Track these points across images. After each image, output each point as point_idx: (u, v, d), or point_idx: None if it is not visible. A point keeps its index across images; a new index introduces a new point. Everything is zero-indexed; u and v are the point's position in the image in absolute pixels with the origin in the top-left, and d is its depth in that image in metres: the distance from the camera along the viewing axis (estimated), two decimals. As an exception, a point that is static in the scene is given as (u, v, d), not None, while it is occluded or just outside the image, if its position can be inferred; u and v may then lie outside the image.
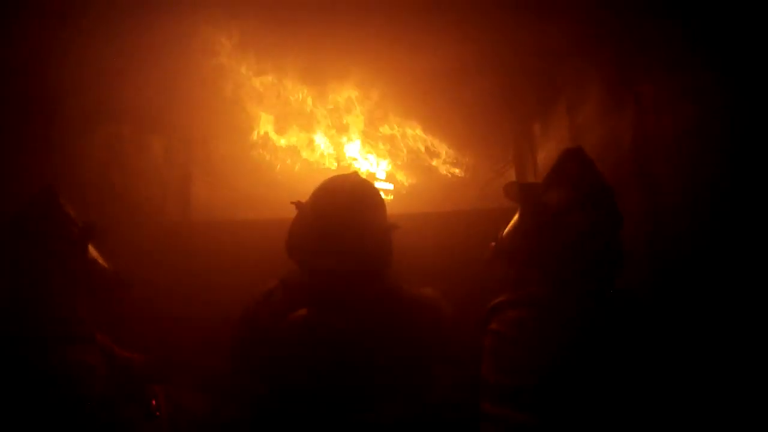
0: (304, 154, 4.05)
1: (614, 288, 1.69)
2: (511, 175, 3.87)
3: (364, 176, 2.04)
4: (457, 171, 4.10)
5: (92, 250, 2.10)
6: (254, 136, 3.97)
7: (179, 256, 3.11)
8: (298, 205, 1.91)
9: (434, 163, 4.11)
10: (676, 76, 2.19)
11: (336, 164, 4.06)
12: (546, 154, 3.50)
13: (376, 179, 4.15)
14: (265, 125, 4.00)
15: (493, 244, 1.97)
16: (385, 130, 4.04)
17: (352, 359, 1.68)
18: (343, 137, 4.06)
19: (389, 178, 4.12)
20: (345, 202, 1.83)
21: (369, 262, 1.82)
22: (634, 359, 1.55)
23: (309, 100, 3.99)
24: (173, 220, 3.55)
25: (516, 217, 1.89)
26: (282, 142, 4.02)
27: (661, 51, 2.28)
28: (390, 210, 1.96)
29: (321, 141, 4.06)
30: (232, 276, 2.89)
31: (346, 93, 3.96)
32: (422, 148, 4.09)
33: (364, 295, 1.77)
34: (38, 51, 2.66)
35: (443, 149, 4.09)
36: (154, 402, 1.99)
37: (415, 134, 4.07)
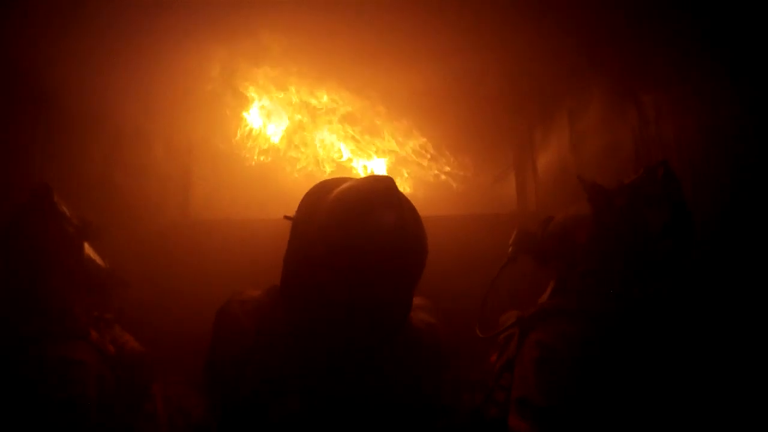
0: (304, 155, 4.06)
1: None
2: (512, 181, 3.88)
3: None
4: (457, 175, 4.11)
5: (88, 249, 2.09)
6: (254, 136, 3.98)
7: (179, 255, 3.11)
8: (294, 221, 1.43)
9: (434, 166, 4.11)
10: (678, 85, 2.20)
11: (334, 166, 4.07)
12: (546, 160, 3.51)
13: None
14: (265, 126, 4.01)
15: (511, 249, 1.86)
16: (384, 133, 4.04)
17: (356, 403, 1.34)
18: (342, 140, 4.07)
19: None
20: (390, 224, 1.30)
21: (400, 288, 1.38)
22: (695, 383, 1.46)
23: (310, 103, 3.99)
24: (173, 219, 3.55)
25: (573, 213, 1.73)
26: (282, 143, 4.03)
27: (663, 60, 2.29)
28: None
29: (320, 143, 4.07)
30: (231, 275, 2.89)
31: (347, 97, 3.96)
32: (422, 152, 4.10)
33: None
34: (40, 51, 2.66)
35: (443, 153, 4.09)
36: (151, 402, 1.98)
37: (414, 138, 4.07)
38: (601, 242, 1.62)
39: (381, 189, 1.33)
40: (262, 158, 3.99)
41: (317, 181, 1.47)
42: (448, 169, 4.10)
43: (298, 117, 4.01)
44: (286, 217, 1.43)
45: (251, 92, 3.92)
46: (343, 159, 4.09)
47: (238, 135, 3.95)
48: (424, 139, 4.06)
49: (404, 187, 4.09)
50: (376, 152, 4.10)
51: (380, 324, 1.34)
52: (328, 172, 4.00)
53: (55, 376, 1.73)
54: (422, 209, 1.45)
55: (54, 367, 1.74)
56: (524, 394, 1.43)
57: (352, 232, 1.27)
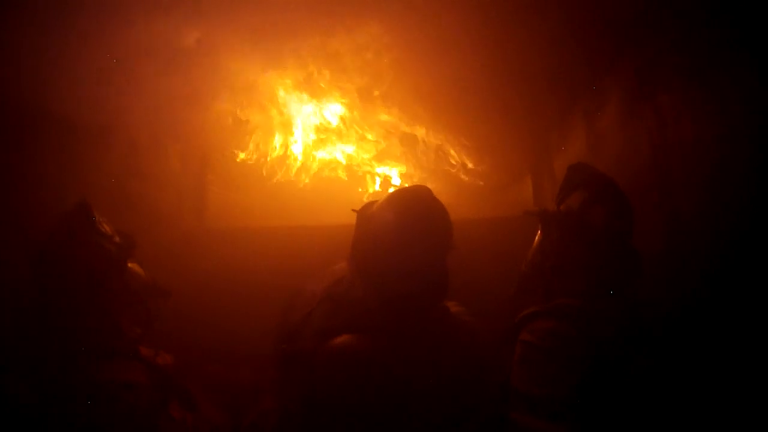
0: (320, 161, 4.06)
1: (636, 298, 1.73)
2: (528, 183, 3.85)
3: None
4: (473, 177, 4.08)
5: (132, 265, 2.06)
6: (270, 144, 3.99)
7: (195, 263, 3.12)
8: (361, 215, 1.82)
9: (450, 169, 4.09)
10: (697, 87, 2.17)
11: (351, 174, 4.06)
12: (563, 162, 3.47)
13: (392, 185, 4.15)
14: (280, 134, 4.01)
15: (518, 276, 2.00)
16: (400, 136, 4.03)
17: (396, 393, 1.61)
18: (358, 144, 4.06)
19: (404, 183, 4.12)
20: (435, 227, 1.77)
21: (442, 288, 1.76)
22: (666, 370, 1.59)
23: (325, 109, 3.99)
24: (189, 227, 3.57)
25: (536, 239, 1.95)
26: (297, 150, 4.03)
27: (682, 61, 2.26)
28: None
29: (336, 149, 4.06)
30: (247, 283, 2.90)
31: (364, 100, 3.95)
32: (438, 154, 4.08)
33: (421, 321, 1.70)
34: (55, 62, 2.68)
35: (459, 155, 4.07)
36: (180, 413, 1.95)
37: (430, 140, 4.05)
38: (561, 253, 1.86)
39: (423, 191, 1.80)
40: (278, 167, 3.99)
41: (334, 189, 1.75)
42: (464, 170, 4.07)
43: (313, 123, 4.01)
44: (354, 210, 1.82)
45: (268, 101, 3.92)
46: (361, 164, 4.09)
47: (255, 144, 3.96)
48: (441, 142, 4.04)
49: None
50: (393, 156, 4.09)
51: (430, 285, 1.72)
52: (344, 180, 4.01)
53: (107, 399, 1.69)
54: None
55: (105, 391, 1.71)
56: (514, 385, 1.64)
57: (409, 219, 1.72)
